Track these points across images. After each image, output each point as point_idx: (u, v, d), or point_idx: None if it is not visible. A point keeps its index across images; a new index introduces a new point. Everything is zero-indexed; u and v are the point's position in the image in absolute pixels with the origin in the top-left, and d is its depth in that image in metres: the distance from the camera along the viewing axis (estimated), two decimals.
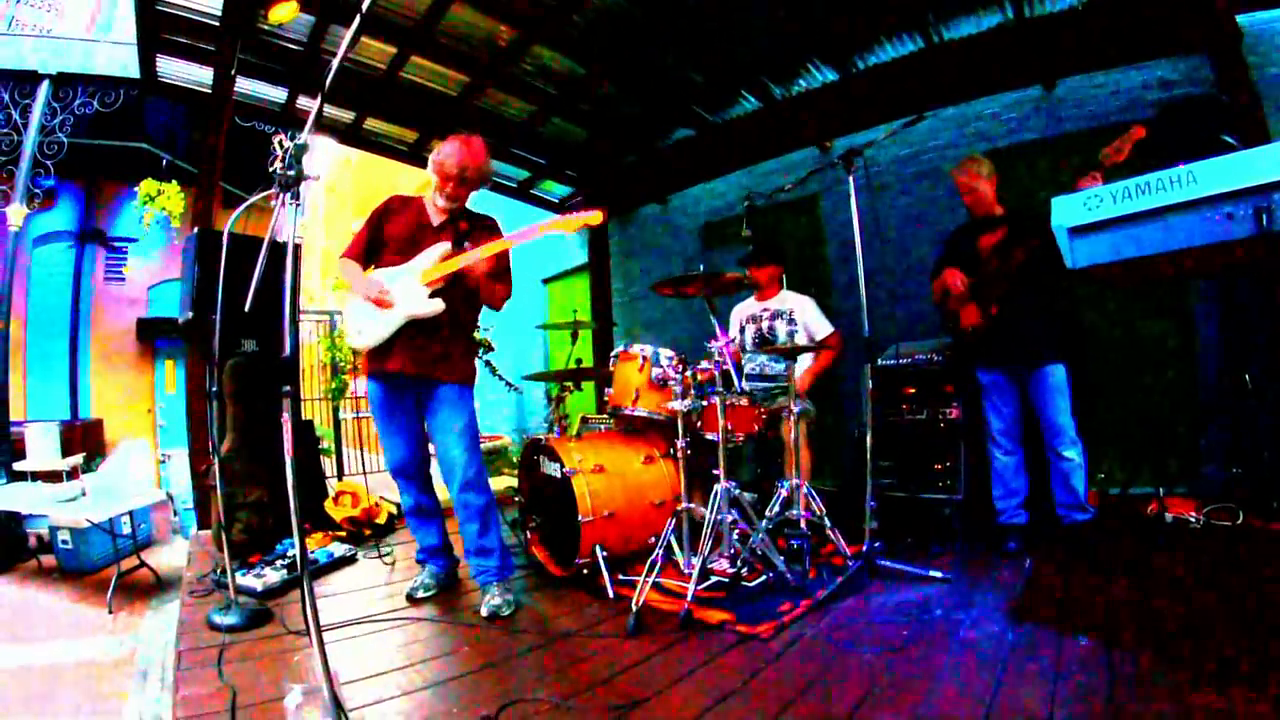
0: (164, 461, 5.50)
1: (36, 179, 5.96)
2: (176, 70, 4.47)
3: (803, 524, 3.02)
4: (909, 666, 1.95)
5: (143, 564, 4.13)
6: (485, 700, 1.84)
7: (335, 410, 6.11)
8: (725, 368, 2.80)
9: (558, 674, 2.04)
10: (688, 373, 2.83)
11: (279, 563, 2.96)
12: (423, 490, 2.77)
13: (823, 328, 3.82)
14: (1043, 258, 2.79)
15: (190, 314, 3.57)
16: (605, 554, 2.74)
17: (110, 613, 3.67)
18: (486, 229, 2.73)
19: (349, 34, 1.54)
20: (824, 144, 5.26)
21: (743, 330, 4.02)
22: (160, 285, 8.84)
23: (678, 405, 2.77)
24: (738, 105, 5.19)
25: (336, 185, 15.29)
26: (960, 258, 3.14)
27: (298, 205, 1.61)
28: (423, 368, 2.57)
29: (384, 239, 2.67)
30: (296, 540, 1.46)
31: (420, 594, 2.70)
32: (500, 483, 4.84)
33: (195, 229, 3.72)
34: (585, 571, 2.80)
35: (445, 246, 2.56)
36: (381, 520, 3.79)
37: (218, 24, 3.93)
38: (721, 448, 2.73)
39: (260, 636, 2.35)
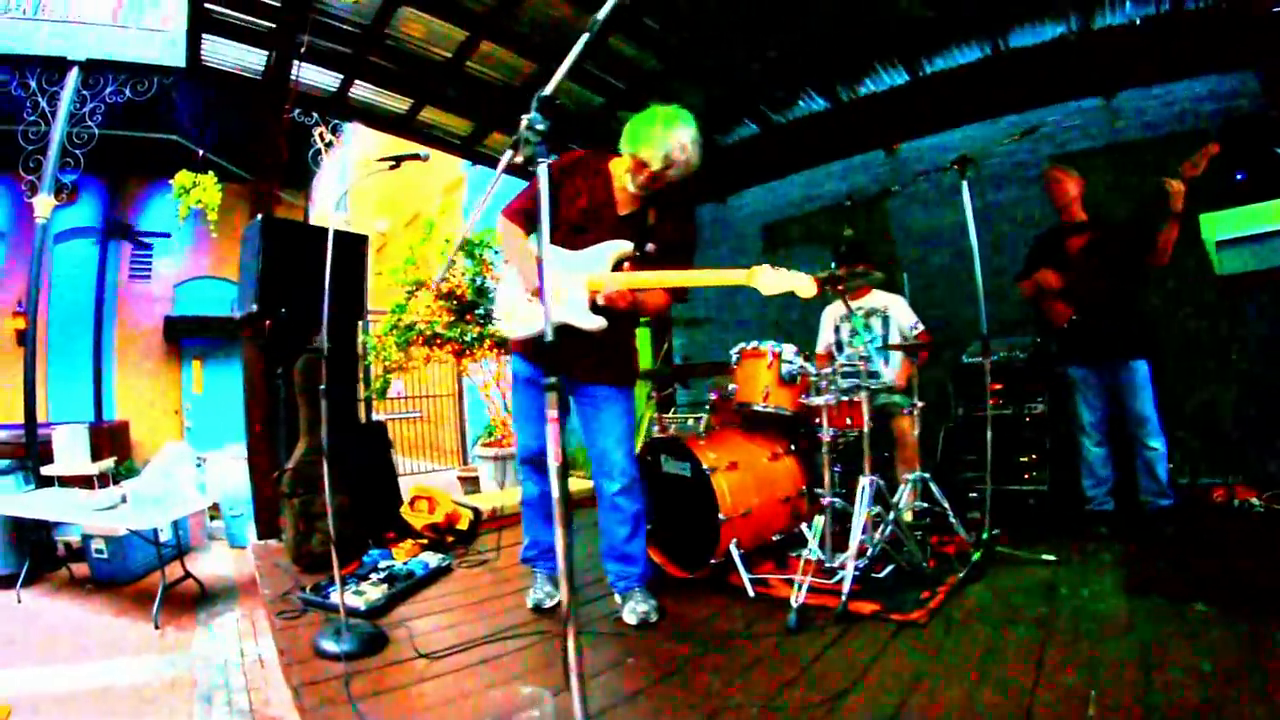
0: (200, 464, 5.21)
1: (63, 170, 5.67)
2: (223, 54, 4.26)
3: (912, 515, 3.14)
4: (1062, 639, 2.03)
5: (188, 574, 3.88)
6: (685, 711, 1.73)
7: (368, 411, 5.86)
8: (867, 366, 2.73)
9: (743, 676, 1.94)
10: (826, 370, 2.82)
11: (374, 576, 2.72)
12: (548, 481, 2.54)
13: (915, 325, 3.76)
14: (1129, 262, 3.07)
15: (254, 307, 3.36)
16: (740, 552, 2.64)
17: (157, 628, 3.41)
18: (676, 219, 2.40)
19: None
20: (890, 147, 5.17)
21: (837, 330, 3.96)
22: (187, 283, 8.56)
23: (819, 400, 2.74)
24: (802, 105, 5.08)
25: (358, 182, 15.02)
26: (1051, 259, 3.30)
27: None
28: (580, 374, 2.36)
29: (557, 207, 2.29)
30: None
31: (547, 603, 2.50)
32: (571, 485, 4.63)
33: (259, 216, 3.49)
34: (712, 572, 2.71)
35: (621, 247, 2.26)
36: (463, 526, 3.51)
37: (277, 2, 3.75)
38: (865, 441, 2.67)
39: (385, 663, 2.11)
